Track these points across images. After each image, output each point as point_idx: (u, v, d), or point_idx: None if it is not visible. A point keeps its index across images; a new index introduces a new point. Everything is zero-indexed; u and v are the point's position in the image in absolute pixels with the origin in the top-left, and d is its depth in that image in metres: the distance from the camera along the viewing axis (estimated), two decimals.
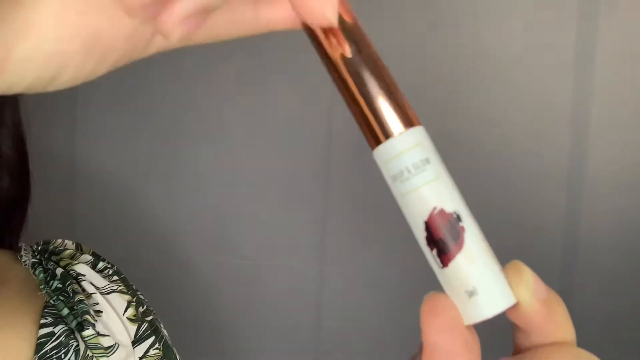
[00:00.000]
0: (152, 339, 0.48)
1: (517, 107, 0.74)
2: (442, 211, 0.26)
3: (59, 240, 0.52)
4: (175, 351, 0.50)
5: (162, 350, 0.48)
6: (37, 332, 0.44)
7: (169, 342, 0.50)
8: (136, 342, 0.47)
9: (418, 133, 0.27)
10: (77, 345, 0.44)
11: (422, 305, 0.25)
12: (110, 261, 0.52)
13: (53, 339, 0.44)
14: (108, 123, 0.77)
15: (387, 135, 0.27)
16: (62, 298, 0.46)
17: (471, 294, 0.25)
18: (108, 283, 0.49)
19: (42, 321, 0.45)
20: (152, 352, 0.47)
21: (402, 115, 0.27)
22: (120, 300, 0.49)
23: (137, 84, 0.76)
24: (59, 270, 0.49)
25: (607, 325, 0.74)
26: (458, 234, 0.25)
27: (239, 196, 0.77)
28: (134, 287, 0.51)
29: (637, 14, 0.73)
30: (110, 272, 0.50)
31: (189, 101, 0.76)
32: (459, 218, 0.26)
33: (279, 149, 0.76)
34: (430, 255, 0.26)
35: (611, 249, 0.75)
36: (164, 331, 0.51)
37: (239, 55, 0.75)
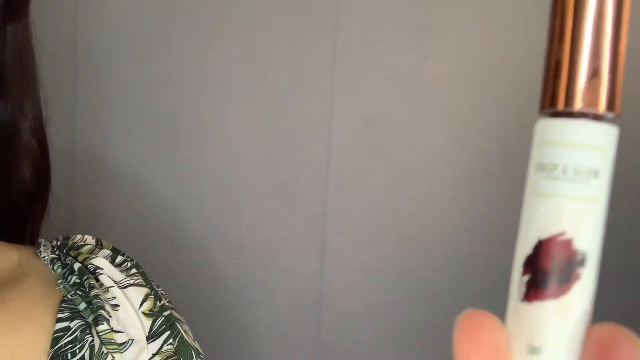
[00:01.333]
0: (167, 334, 0.48)
1: (517, 107, 0.74)
2: (569, 242, 0.19)
3: (79, 236, 0.52)
4: (193, 347, 0.49)
5: (176, 346, 0.48)
6: (54, 326, 0.44)
7: (188, 338, 0.49)
8: (151, 337, 0.47)
9: (610, 134, 0.21)
10: (93, 341, 0.44)
11: (459, 324, 0.19)
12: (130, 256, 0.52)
13: (69, 333, 0.44)
14: (109, 121, 0.77)
15: (574, 102, 0.19)
16: (79, 293, 0.47)
17: (533, 350, 0.19)
18: (125, 277, 0.49)
19: (59, 315, 0.45)
20: (165, 347, 0.47)
21: (612, 94, 0.20)
22: (137, 294, 0.48)
23: (138, 83, 0.76)
24: (76, 265, 0.49)
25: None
26: (568, 279, 0.19)
27: (239, 196, 0.77)
28: (152, 282, 0.51)
29: (635, 11, 0.73)
30: (129, 265, 0.50)
31: (188, 101, 0.76)
32: (582, 262, 0.19)
33: (279, 149, 0.76)
34: (518, 278, 0.20)
35: (611, 249, 0.75)
36: (184, 326, 0.50)
37: (240, 53, 0.75)
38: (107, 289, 0.48)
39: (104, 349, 0.44)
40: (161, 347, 0.47)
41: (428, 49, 0.74)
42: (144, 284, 0.50)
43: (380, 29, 0.74)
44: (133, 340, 0.46)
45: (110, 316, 0.46)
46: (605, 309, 0.76)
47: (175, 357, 0.48)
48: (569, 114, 0.20)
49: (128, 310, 0.47)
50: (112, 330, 0.45)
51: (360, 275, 0.77)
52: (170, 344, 0.48)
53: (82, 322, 0.45)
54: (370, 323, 0.77)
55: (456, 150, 0.74)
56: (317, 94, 0.75)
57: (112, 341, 0.45)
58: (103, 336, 0.45)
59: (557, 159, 0.20)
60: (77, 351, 0.44)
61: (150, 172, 0.77)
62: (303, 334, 0.78)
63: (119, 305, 0.47)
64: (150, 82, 0.76)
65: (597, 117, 0.20)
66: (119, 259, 0.51)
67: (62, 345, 0.44)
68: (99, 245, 0.52)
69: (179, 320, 0.50)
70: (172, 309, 0.51)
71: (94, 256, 0.50)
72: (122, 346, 0.45)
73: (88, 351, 0.44)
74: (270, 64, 0.75)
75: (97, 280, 0.48)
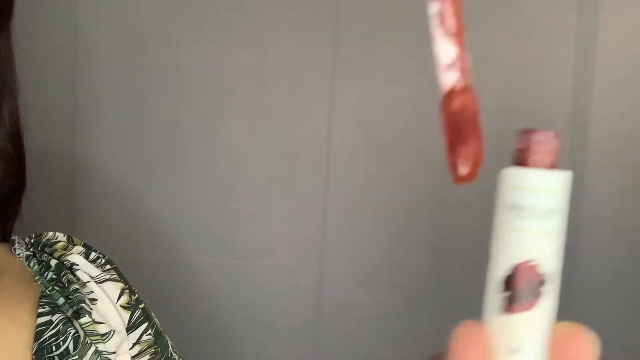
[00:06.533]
0: (145, 325, 0.50)
1: (518, 107, 0.74)
2: (534, 267, 0.25)
3: (51, 233, 0.53)
4: (167, 338, 0.51)
5: (154, 336, 0.50)
6: (35, 321, 0.46)
7: (161, 329, 0.51)
8: (130, 328, 0.49)
9: (567, 179, 0.25)
10: (76, 332, 0.46)
11: (458, 332, 0.25)
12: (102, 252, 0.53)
13: (51, 327, 0.45)
14: (108, 122, 0.77)
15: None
16: (57, 288, 0.48)
17: (512, 351, 0.25)
18: (101, 272, 0.50)
19: (40, 310, 0.46)
20: (145, 337, 0.49)
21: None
22: (113, 289, 0.50)
23: (138, 82, 0.76)
24: (53, 262, 0.50)
25: (607, 324, 0.74)
26: (535, 296, 0.25)
27: (239, 196, 0.77)
28: (125, 276, 0.52)
29: (637, 13, 0.73)
30: (103, 261, 0.52)
31: (189, 100, 0.76)
32: (543, 282, 0.25)
33: (279, 149, 0.76)
34: (497, 294, 0.25)
35: (611, 249, 0.75)
36: (156, 319, 0.52)
37: (241, 54, 0.75)
38: (84, 284, 0.49)
39: (87, 340, 0.45)
40: (140, 337, 0.49)
41: (428, 50, 0.74)
42: (118, 279, 0.51)
43: (380, 30, 0.74)
44: (114, 330, 0.47)
45: (91, 309, 0.47)
46: (604, 308, 0.76)
47: (155, 346, 0.49)
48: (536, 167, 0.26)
49: (106, 304, 0.48)
50: (95, 322, 0.46)
51: (360, 275, 0.77)
52: (149, 334, 0.49)
53: (64, 316, 0.46)
54: (370, 323, 0.77)
55: None
56: (317, 95, 0.75)
57: (95, 332, 0.46)
58: (86, 328, 0.46)
59: (525, 201, 0.25)
60: (61, 343, 0.45)
61: (150, 172, 0.77)
62: (303, 334, 0.78)
63: (97, 300, 0.48)
64: (149, 84, 0.76)
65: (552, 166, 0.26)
66: (93, 255, 0.52)
67: (45, 338, 0.45)
68: (71, 242, 0.53)
69: (151, 314, 0.52)
70: (144, 302, 0.52)
71: (69, 253, 0.51)
72: (105, 336, 0.46)
73: (72, 342, 0.45)
74: (270, 65, 0.75)
75: (74, 275, 0.49)
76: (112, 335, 0.47)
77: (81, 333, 0.45)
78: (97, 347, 0.45)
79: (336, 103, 0.75)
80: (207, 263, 0.77)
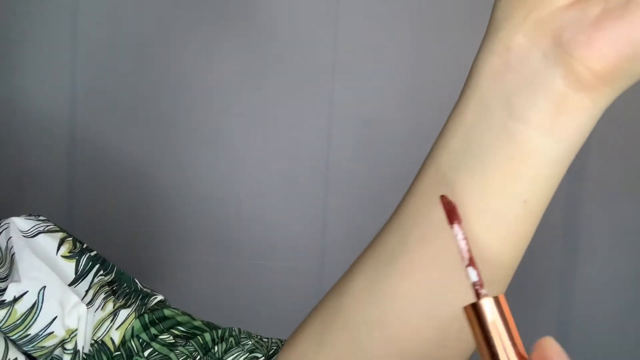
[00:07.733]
0: (96, 268, 0.43)
1: None
2: None
3: None
4: (132, 277, 0.45)
5: (115, 275, 0.43)
6: None
7: (123, 271, 0.45)
8: (79, 278, 0.42)
9: None
10: None
11: (538, 349, 0.23)
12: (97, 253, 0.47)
13: None
14: (108, 123, 0.77)
15: None
16: None
17: None
18: (35, 224, 0.43)
19: None
20: (96, 280, 0.43)
21: None
22: (49, 240, 0.43)
23: (138, 81, 0.76)
24: None
25: (606, 324, 0.74)
26: None
27: (239, 196, 0.77)
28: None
29: None
30: (35, 215, 0.45)
31: (190, 101, 0.76)
32: None
33: (279, 149, 0.76)
34: None
35: (611, 248, 0.75)
36: (116, 266, 0.46)
37: (241, 54, 0.75)
38: (8, 240, 0.42)
39: (10, 355, 0.38)
40: (92, 281, 0.42)
41: (428, 49, 0.74)
42: (56, 229, 0.44)
43: (380, 30, 0.74)
44: (44, 290, 0.40)
45: (2, 291, 0.39)
46: (604, 307, 0.75)
47: (116, 283, 0.43)
48: None
49: (33, 263, 0.41)
50: (14, 302, 0.39)
51: None
52: (101, 275, 0.43)
53: None
54: None
55: None
56: (317, 94, 0.75)
57: (19, 319, 0.39)
58: (4, 326, 0.39)
59: None
60: None
61: (150, 172, 0.77)
62: None
63: (17, 263, 0.41)
64: (151, 80, 0.76)
65: None
66: (25, 215, 0.45)
67: None
68: None
69: (107, 260, 0.45)
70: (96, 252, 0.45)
71: None
72: (33, 311, 0.39)
73: None
74: (270, 64, 0.75)
75: None
76: (42, 302, 0.39)
77: (1, 347, 0.38)
78: (28, 334, 0.39)
79: (336, 102, 0.75)
80: (207, 262, 0.77)
